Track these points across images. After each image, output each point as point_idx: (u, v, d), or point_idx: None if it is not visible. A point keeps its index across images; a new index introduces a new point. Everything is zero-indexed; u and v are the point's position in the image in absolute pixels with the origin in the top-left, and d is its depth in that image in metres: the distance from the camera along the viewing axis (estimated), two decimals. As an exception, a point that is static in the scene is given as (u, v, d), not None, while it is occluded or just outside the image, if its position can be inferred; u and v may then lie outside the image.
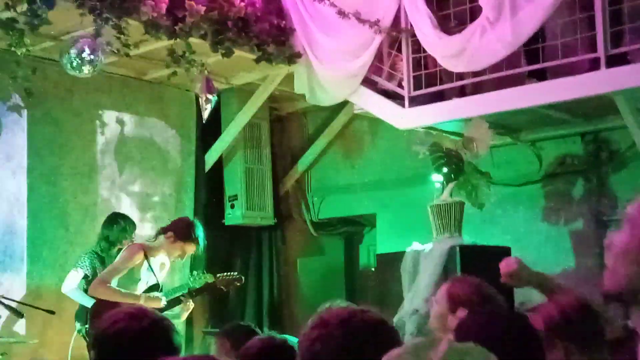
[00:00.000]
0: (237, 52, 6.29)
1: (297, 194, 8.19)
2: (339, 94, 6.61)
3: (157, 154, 7.35)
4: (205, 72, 6.22)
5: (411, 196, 7.11)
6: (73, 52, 5.42)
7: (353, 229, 8.31)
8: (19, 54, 5.61)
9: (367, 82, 6.41)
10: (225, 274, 5.81)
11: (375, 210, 7.80)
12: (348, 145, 7.97)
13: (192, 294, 5.58)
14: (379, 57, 6.37)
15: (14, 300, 5.54)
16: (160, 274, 5.51)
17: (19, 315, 3.96)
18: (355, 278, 8.24)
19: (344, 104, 7.02)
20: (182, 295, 5.53)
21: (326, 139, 7.92)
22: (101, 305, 5.20)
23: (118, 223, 6.08)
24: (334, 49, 6.40)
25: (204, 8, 5.87)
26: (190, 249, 5.49)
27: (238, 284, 5.91)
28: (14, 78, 5.79)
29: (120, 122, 7.10)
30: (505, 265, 3.15)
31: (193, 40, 5.99)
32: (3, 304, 4.06)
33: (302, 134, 8.20)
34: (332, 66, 6.42)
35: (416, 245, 6.06)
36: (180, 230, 5.44)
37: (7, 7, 5.18)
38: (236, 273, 5.96)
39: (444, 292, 3.13)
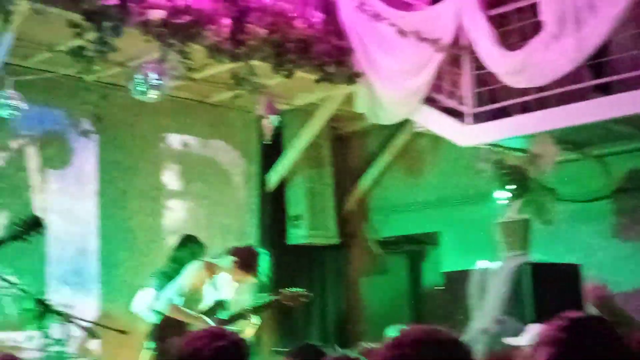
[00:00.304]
0: (298, 73, 6.36)
1: (360, 212, 8.19)
2: (400, 112, 6.61)
3: (220, 176, 7.48)
4: (267, 93, 6.29)
5: (474, 214, 7.04)
6: (140, 77, 5.56)
7: (416, 247, 8.27)
8: (89, 80, 5.80)
9: (428, 100, 6.40)
10: (290, 289, 5.78)
11: (438, 228, 7.74)
12: (409, 163, 7.94)
13: (254, 310, 5.61)
14: (439, 74, 6.35)
15: (88, 322, 5.68)
16: (228, 291, 5.54)
17: (95, 336, 4.05)
18: (420, 296, 8.18)
19: (405, 122, 7.00)
20: (244, 312, 5.56)
21: (387, 157, 7.92)
22: (167, 324, 5.29)
23: (187, 246, 6.19)
24: (394, 68, 6.42)
25: (265, 31, 5.97)
26: (250, 279, 5.54)
27: (304, 300, 5.85)
28: (84, 104, 5.98)
29: (185, 145, 7.25)
30: (595, 289, 3.07)
31: (255, 62, 6.08)
32: (80, 325, 4.15)
33: (364, 152, 8.21)
34: (392, 85, 6.43)
35: (483, 263, 5.98)
36: (244, 260, 5.47)
37: (77, 35, 5.35)
38: (302, 289, 5.89)
39: None
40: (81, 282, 6.47)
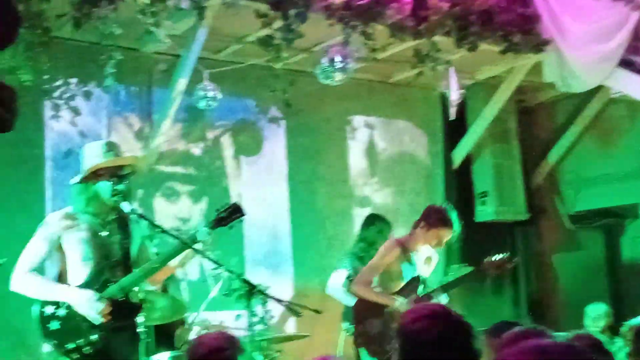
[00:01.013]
0: (482, 46, 6.19)
1: (550, 186, 7.88)
2: (593, 79, 6.27)
3: (405, 155, 7.47)
4: (451, 69, 6.18)
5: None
6: (325, 61, 5.65)
7: (613, 220, 7.81)
8: (277, 68, 5.97)
9: (624, 63, 6.02)
10: (492, 257, 5.53)
11: (637, 200, 7.28)
12: (603, 133, 7.52)
13: (452, 284, 5.48)
14: (635, 35, 5.94)
15: (285, 301, 5.88)
16: (426, 268, 5.46)
17: (297, 314, 4.16)
18: (618, 273, 7.73)
19: (597, 89, 6.65)
20: (442, 287, 5.45)
21: (578, 127, 7.55)
22: (362, 305, 5.31)
23: (374, 224, 6.20)
24: (585, 33, 6.09)
25: (447, 5, 5.85)
26: (446, 234, 5.31)
27: (510, 265, 5.51)
28: (273, 91, 6.17)
29: (369, 126, 7.30)
30: None
31: (437, 38, 5.99)
32: (281, 304, 4.28)
33: (552, 124, 7.89)
34: (584, 50, 6.10)
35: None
36: (432, 217, 5.31)
37: (265, 25, 5.52)
38: (507, 253, 5.49)
39: None
40: (275, 264, 6.70)
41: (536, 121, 7.98)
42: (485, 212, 7.52)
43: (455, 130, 7.44)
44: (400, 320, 2.39)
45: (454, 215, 5.32)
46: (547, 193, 7.91)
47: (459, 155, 7.51)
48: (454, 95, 6.30)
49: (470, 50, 6.14)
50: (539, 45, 6.30)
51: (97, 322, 3.82)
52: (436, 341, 2.25)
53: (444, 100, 7.16)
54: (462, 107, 6.84)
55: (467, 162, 7.59)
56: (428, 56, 6.03)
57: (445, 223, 5.26)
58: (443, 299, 5.39)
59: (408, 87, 7.27)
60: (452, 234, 5.32)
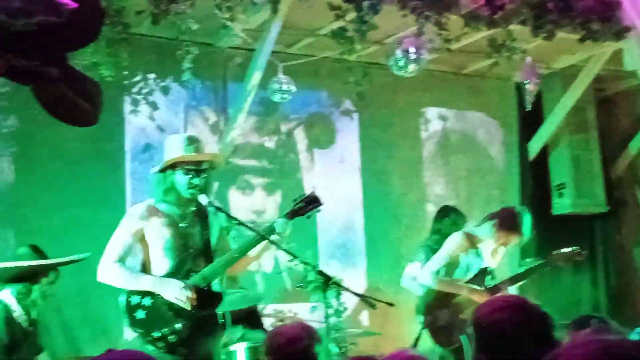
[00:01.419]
0: (559, 34, 6.04)
1: (631, 177, 7.65)
2: (678, 65, 6.04)
3: (479, 147, 7.37)
4: (527, 58, 6.06)
5: None
6: (399, 52, 5.61)
7: (697, 213, 7.54)
8: (349, 61, 5.97)
9: None
10: (561, 250, 5.50)
11: None
12: (688, 122, 7.26)
13: (521, 276, 5.43)
14: None
15: (358, 294, 5.88)
16: (492, 259, 5.43)
17: (372, 306, 4.15)
18: None
19: (680, 77, 6.39)
20: (511, 279, 5.40)
21: (661, 116, 7.31)
22: (430, 296, 5.31)
23: (449, 216, 6.14)
24: (669, 17, 5.87)
25: (523, -7, 5.73)
26: (514, 240, 5.33)
27: (579, 258, 5.51)
28: (346, 84, 6.17)
29: (442, 118, 7.24)
30: None
31: (513, 27, 5.88)
32: (357, 296, 4.29)
33: (632, 114, 7.65)
34: (668, 36, 5.89)
35: None
36: (505, 220, 5.30)
37: (338, 17, 5.52)
38: (577, 247, 5.51)
39: None
40: (348, 257, 6.71)
41: (616, 111, 7.74)
42: (562, 204, 7.36)
43: (531, 121, 7.30)
44: (476, 312, 2.36)
45: (527, 221, 5.26)
46: (627, 185, 7.68)
47: (535, 147, 7.35)
48: (530, 85, 6.16)
49: (547, 38, 6.01)
50: (620, 32, 6.11)
51: (187, 308, 3.90)
52: (514, 332, 2.22)
53: (519, 90, 7.03)
54: (538, 97, 6.69)
55: (544, 153, 7.43)
56: (503, 46, 5.94)
57: (516, 230, 5.25)
58: (512, 291, 5.36)
59: (482, 78, 7.17)
60: (520, 240, 5.30)
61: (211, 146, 5.90)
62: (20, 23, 2.58)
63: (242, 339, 5.00)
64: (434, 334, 5.26)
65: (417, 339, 5.48)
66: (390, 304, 5.84)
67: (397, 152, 6.98)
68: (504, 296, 2.46)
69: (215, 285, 4.03)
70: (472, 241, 5.35)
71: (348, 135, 6.82)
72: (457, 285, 5.25)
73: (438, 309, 5.30)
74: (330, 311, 4.91)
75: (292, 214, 4.04)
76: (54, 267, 4.35)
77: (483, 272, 5.32)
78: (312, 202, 4.09)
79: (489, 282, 5.31)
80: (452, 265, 5.35)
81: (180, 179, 3.99)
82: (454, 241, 5.39)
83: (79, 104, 2.84)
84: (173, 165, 4.00)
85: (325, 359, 3.03)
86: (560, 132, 7.31)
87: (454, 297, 5.25)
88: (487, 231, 5.32)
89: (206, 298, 3.96)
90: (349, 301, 6.06)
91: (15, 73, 2.61)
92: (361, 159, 6.85)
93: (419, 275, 5.47)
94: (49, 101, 2.74)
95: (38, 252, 4.35)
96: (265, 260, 6.23)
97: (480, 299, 5.07)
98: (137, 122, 5.96)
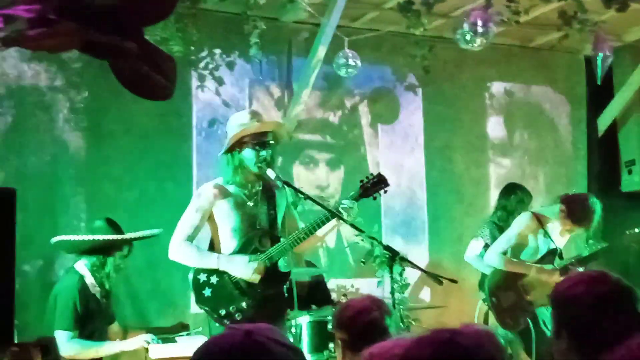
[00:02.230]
0: (633, 6, 5.85)
1: None
2: None
3: (545, 122, 7.24)
4: (598, 31, 5.90)
5: None
6: (466, 26, 5.51)
7: None
8: (415, 35, 5.90)
9: None
10: (636, 229, 5.36)
11: None
12: None
13: (589, 258, 5.34)
14: None
15: (421, 269, 5.87)
16: (561, 240, 5.33)
17: (439, 282, 4.12)
18: None
19: None
20: (579, 260, 5.31)
21: None
22: (496, 276, 5.23)
23: (515, 193, 6.03)
24: None
25: (597, -38, 5.56)
26: (581, 229, 5.21)
27: None
28: (412, 57, 6.10)
29: (508, 93, 7.12)
30: None
31: (584, -2, 5.73)
32: (424, 271, 4.27)
33: None
34: None
35: None
36: (573, 209, 5.18)
37: (404, -10, 5.46)
38: None
39: None
40: (411, 233, 6.69)
41: (690, 85, 7.47)
42: (632, 181, 7.18)
43: (600, 95, 7.12)
44: (555, 288, 2.32)
45: (597, 213, 5.12)
46: None
47: (604, 123, 7.18)
48: (601, 58, 5.99)
49: (620, 10, 5.81)
50: (696, 3, 5.89)
51: (255, 281, 3.95)
52: (596, 306, 2.16)
53: (588, 64, 6.86)
54: (608, 71, 6.51)
55: (613, 129, 7.26)
56: (574, 18, 5.78)
57: (584, 221, 5.10)
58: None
59: (550, 51, 7.02)
60: (587, 229, 5.18)
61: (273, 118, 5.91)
62: (100, -2, 2.63)
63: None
64: (499, 315, 5.20)
65: (487, 315, 5.44)
66: (454, 281, 5.83)
67: (461, 128, 6.90)
68: (583, 271, 2.41)
69: (282, 265, 4.06)
70: (540, 221, 5.22)
71: (412, 111, 6.77)
72: (526, 265, 5.16)
73: (504, 290, 5.22)
74: (396, 286, 4.92)
75: (359, 195, 4.03)
76: (128, 242, 4.45)
77: (552, 253, 5.22)
78: (378, 184, 4.06)
79: (558, 263, 5.24)
80: (519, 246, 5.25)
81: (248, 154, 3.99)
82: (522, 221, 5.28)
83: (155, 79, 2.88)
84: (239, 144, 4.01)
85: (396, 331, 3.02)
86: (631, 107, 7.12)
87: (521, 278, 5.16)
88: (556, 213, 5.21)
89: (272, 277, 3.99)
90: (411, 277, 6.09)
91: (93, 48, 2.65)
92: (425, 135, 6.79)
93: (486, 256, 5.39)
94: (126, 75, 2.78)
95: (113, 226, 4.44)
96: (328, 235, 6.27)
97: (549, 279, 5.00)
98: (203, 97, 6.02)
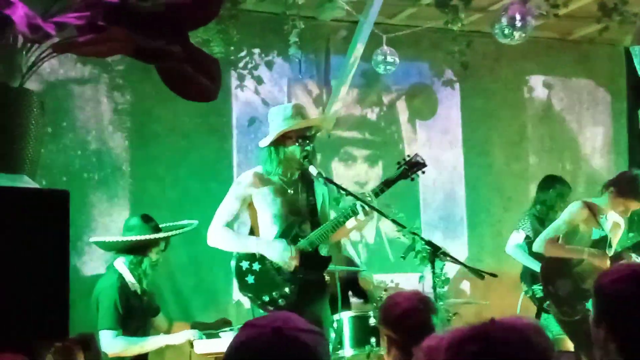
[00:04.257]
0: (674, -4, 5.79)
1: None
2: None
3: (586, 116, 7.18)
4: (639, 22, 5.83)
5: None
6: (504, 20, 5.49)
7: None
8: (452, 30, 5.90)
9: None
10: None
11: None
12: None
13: (634, 248, 5.28)
14: None
15: (461, 263, 5.86)
16: (614, 233, 5.26)
17: (481, 276, 4.13)
18: None
19: None
20: (624, 250, 5.25)
21: None
22: (550, 266, 5.18)
23: (554, 187, 5.98)
24: None
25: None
26: (634, 205, 5.12)
27: None
28: (451, 53, 6.10)
29: (547, 86, 7.07)
30: None
31: (625, -10, 5.68)
32: (467, 267, 4.27)
33: None
34: None
35: None
36: (622, 185, 5.10)
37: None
38: None
39: None
40: (450, 227, 6.70)
41: None
42: (673, 174, 7.08)
43: (641, 88, 7.04)
44: (599, 280, 2.32)
45: None
46: None
47: (645, 115, 7.10)
48: (642, 50, 5.93)
49: (661, 1, 5.77)
50: None
51: (290, 268, 3.99)
52: (636, 302, 2.17)
53: (629, 56, 6.77)
54: (650, 63, 6.43)
55: (655, 121, 7.18)
56: (614, 10, 5.74)
57: (636, 194, 5.04)
58: (635, 260, 5.19)
59: (590, 44, 6.95)
60: None
61: (313, 113, 5.96)
62: (148, 4, 2.70)
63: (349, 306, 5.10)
64: (557, 304, 5.16)
65: (539, 310, 5.40)
66: (494, 275, 5.82)
67: (499, 122, 6.88)
68: (630, 264, 2.40)
69: (323, 250, 4.11)
70: (592, 211, 5.14)
71: (450, 106, 6.77)
72: (577, 249, 5.09)
73: (560, 279, 5.18)
74: (438, 281, 4.93)
75: (397, 177, 4.07)
76: (164, 239, 4.52)
77: (602, 241, 5.14)
78: (416, 165, 4.09)
79: (609, 252, 5.14)
80: (570, 235, 5.17)
81: (293, 149, 4.02)
82: (573, 210, 5.19)
83: (200, 81, 2.95)
84: (283, 138, 4.04)
85: (441, 329, 3.04)
86: (672, 100, 7.03)
87: (576, 265, 5.12)
88: (606, 200, 5.14)
89: (314, 262, 4.04)
90: (450, 272, 6.10)
91: (142, 53, 2.73)
92: (463, 130, 6.79)
93: (535, 244, 5.33)
94: (173, 78, 2.86)
95: (149, 222, 4.51)
96: (368, 231, 6.31)
97: (602, 263, 4.95)
98: (243, 96, 6.09)
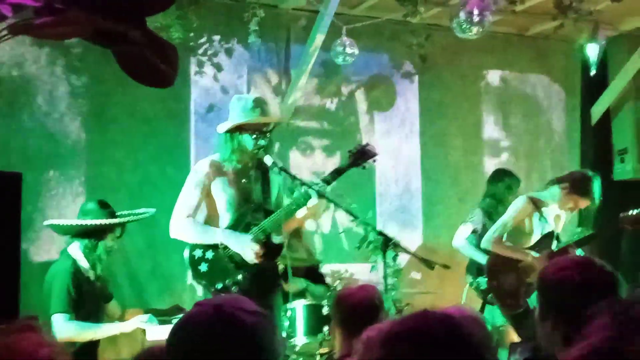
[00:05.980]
0: (628, -4, 5.91)
1: None
2: None
3: (540, 110, 7.30)
4: (594, 20, 5.95)
5: None
6: (462, 14, 5.56)
7: None
8: (412, 23, 5.95)
9: None
10: (630, 211, 5.38)
11: None
12: None
13: (582, 241, 5.39)
14: None
15: (414, 255, 5.93)
16: (556, 224, 5.40)
17: (431, 267, 4.20)
18: None
19: None
20: (572, 244, 5.36)
21: None
22: (496, 260, 5.30)
23: (503, 180, 6.05)
24: None
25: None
26: (584, 203, 5.26)
27: None
28: (409, 46, 6.15)
29: (504, 81, 7.18)
30: None
31: (579, -12, 5.78)
32: (418, 257, 4.35)
33: None
34: None
35: None
36: (576, 183, 5.22)
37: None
38: None
39: None
40: (406, 218, 6.76)
41: (683, 75, 7.53)
42: (624, 170, 7.25)
43: (594, 84, 7.17)
44: (542, 272, 2.39)
45: (597, 187, 5.19)
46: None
47: (597, 111, 7.25)
48: (596, 48, 6.06)
49: (615, 0, 5.88)
50: (691, -6, 5.95)
51: (252, 262, 4.04)
52: (580, 290, 2.23)
53: (584, 53, 6.91)
54: (603, 60, 6.57)
55: (606, 118, 7.32)
56: (570, 7, 5.83)
57: (588, 194, 5.15)
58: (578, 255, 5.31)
59: (546, 40, 7.07)
60: (590, 205, 5.23)
61: (273, 108, 5.97)
62: (106, -13, 2.68)
63: (305, 291, 5.14)
64: (500, 298, 5.27)
65: (484, 305, 5.49)
66: (446, 266, 5.90)
67: (457, 115, 6.96)
68: (569, 256, 2.47)
69: (275, 237, 4.15)
70: (536, 205, 5.28)
71: (408, 98, 6.83)
72: (522, 252, 5.21)
73: (504, 273, 5.29)
74: (389, 271, 5.00)
75: (349, 165, 4.14)
76: (120, 225, 4.48)
77: (549, 236, 5.29)
78: (367, 153, 4.17)
79: (555, 246, 5.28)
80: (516, 230, 5.31)
81: (247, 140, 4.09)
82: (518, 206, 5.32)
83: (158, 66, 2.94)
84: (240, 127, 4.10)
85: (388, 316, 3.13)
86: (625, 97, 7.17)
87: (519, 261, 5.24)
88: (553, 195, 5.26)
89: (266, 249, 4.08)
90: (403, 262, 6.18)
91: (100, 35, 2.71)
92: (421, 122, 6.86)
93: (482, 241, 5.44)
94: (130, 63, 2.84)
95: (105, 207, 4.46)
96: (323, 221, 6.35)
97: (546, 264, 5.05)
98: (202, 83, 6.07)
